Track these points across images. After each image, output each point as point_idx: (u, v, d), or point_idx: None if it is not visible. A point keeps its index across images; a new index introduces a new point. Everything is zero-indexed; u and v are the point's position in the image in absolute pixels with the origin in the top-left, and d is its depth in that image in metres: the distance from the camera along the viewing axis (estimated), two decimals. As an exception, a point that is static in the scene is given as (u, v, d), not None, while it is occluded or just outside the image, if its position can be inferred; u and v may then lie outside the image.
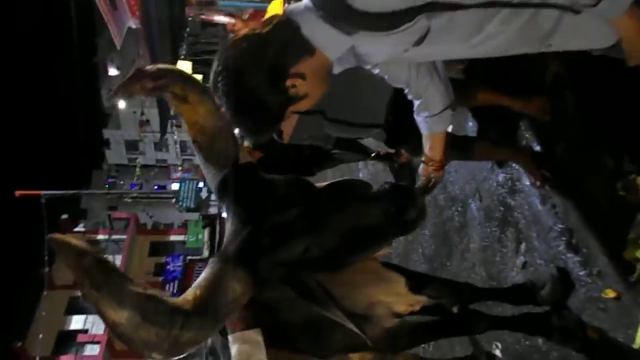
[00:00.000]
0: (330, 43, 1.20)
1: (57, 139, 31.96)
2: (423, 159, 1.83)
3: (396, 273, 1.94)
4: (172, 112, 10.90)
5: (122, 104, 33.58)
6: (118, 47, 5.84)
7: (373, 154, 2.71)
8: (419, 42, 1.19)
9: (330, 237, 1.56)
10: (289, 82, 1.22)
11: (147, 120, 25.54)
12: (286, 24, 1.21)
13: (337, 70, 1.34)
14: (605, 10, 1.11)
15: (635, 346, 1.73)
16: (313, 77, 1.25)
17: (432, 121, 1.64)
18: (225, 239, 1.51)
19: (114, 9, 4.96)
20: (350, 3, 1.09)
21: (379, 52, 1.28)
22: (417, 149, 2.61)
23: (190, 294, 1.30)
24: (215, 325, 1.35)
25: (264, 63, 1.20)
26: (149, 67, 1.53)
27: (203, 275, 1.37)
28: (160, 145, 32.12)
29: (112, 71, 33.23)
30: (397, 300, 1.87)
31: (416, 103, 1.60)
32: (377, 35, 1.15)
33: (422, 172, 1.84)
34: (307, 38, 1.19)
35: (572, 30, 1.20)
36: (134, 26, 5.16)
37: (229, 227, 1.55)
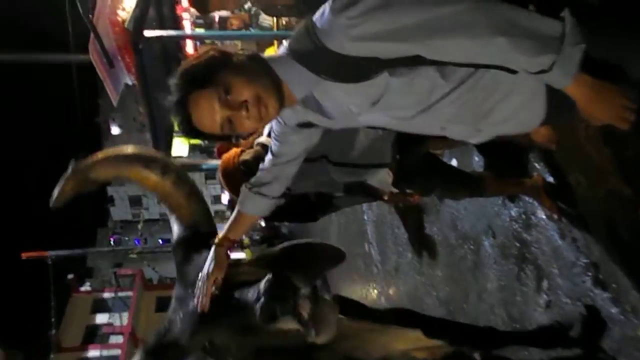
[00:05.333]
0: (298, 81, 1.24)
1: (62, 198, 32.07)
2: (217, 241, 1.71)
3: (410, 329, 1.79)
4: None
5: (125, 161, 33.99)
6: (115, 104, 5.85)
7: (385, 197, 2.61)
8: (375, 102, 1.22)
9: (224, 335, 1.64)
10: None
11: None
12: (257, 57, 1.28)
13: (297, 117, 1.39)
14: (556, 78, 1.11)
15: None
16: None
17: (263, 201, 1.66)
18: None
19: (110, 67, 4.96)
20: (325, 43, 1.12)
21: (336, 106, 1.30)
22: (425, 188, 2.52)
23: None
24: None
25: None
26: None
27: None
28: (163, 199, 32.16)
29: (115, 130, 33.81)
30: (415, 347, 1.73)
31: (262, 175, 1.64)
32: (343, 85, 1.19)
33: (216, 257, 1.68)
34: (276, 72, 1.24)
35: (505, 115, 1.26)
36: (130, 83, 5.16)
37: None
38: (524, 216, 2.45)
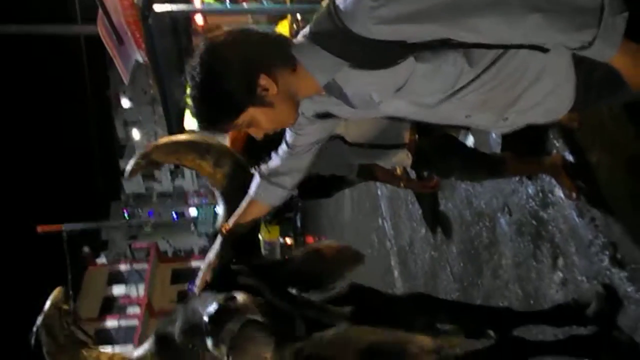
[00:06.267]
0: (320, 66, 1.20)
1: (75, 172, 32.41)
2: (225, 232, 1.73)
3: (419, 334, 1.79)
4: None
5: (136, 134, 34.10)
6: (126, 83, 5.83)
7: (402, 184, 2.60)
8: (399, 88, 1.19)
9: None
10: (262, 82, 1.22)
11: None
12: (278, 38, 1.26)
13: (315, 107, 1.38)
14: (599, 52, 1.06)
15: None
16: (284, 94, 1.25)
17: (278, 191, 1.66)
18: None
19: (120, 44, 4.92)
20: (349, 25, 1.08)
21: (358, 93, 1.26)
22: (444, 171, 2.51)
23: None
24: None
25: (243, 55, 1.21)
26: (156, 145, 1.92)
27: None
28: (176, 173, 32.40)
29: (125, 102, 33.82)
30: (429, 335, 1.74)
31: (277, 164, 1.63)
32: (365, 72, 1.16)
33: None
34: (296, 57, 1.22)
35: (534, 102, 1.23)
36: (141, 60, 5.12)
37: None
38: (541, 194, 2.44)
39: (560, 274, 2.30)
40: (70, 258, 16.92)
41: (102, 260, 23.94)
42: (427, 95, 1.22)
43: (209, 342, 1.42)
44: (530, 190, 2.52)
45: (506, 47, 1.13)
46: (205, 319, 1.43)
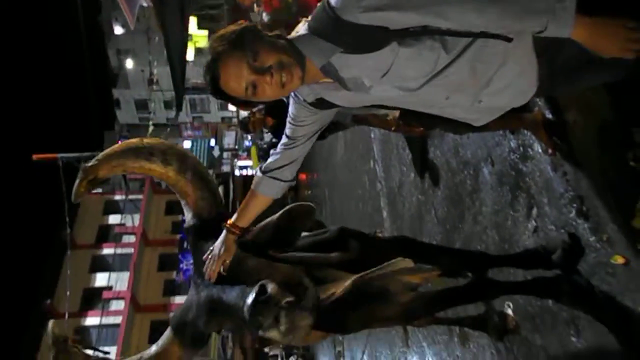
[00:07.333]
0: (317, 51, 1.36)
1: (68, 101, 32.00)
2: (229, 226, 1.90)
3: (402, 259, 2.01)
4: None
5: (129, 63, 33.38)
6: (132, 27, 5.78)
7: (393, 128, 2.75)
8: (385, 73, 1.34)
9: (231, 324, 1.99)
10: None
11: (157, 80, 25.36)
12: (282, 35, 1.41)
13: (314, 94, 1.54)
14: (556, 32, 1.20)
15: (641, 310, 1.82)
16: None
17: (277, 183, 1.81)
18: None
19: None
20: (340, 14, 1.25)
21: (352, 78, 1.41)
22: (429, 123, 2.64)
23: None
24: None
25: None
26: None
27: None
28: (170, 104, 32.07)
29: (118, 29, 32.79)
30: (409, 274, 1.96)
31: (275, 159, 1.78)
32: (357, 56, 1.32)
33: (225, 241, 1.89)
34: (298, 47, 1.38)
35: (504, 84, 1.37)
36: (145, 4, 5.07)
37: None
38: (521, 148, 2.60)
39: (534, 222, 2.51)
40: (66, 186, 17.09)
41: (97, 189, 24.19)
42: (411, 80, 1.38)
43: (257, 331, 1.73)
44: (512, 144, 2.69)
45: (475, 36, 1.28)
46: (247, 311, 1.71)
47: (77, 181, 1.95)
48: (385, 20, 1.24)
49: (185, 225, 2.15)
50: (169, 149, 2.04)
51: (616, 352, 1.94)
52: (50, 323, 2.00)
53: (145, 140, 2.06)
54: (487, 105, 1.48)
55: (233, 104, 1.49)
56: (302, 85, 1.46)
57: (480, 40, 1.29)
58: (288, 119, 1.69)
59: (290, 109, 1.66)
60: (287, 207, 2.00)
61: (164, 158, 2.01)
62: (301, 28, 1.40)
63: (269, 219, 2.01)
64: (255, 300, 1.71)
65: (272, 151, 1.83)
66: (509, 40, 1.27)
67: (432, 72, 1.35)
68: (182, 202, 2.14)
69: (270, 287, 1.71)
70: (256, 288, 1.74)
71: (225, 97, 1.44)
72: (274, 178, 1.81)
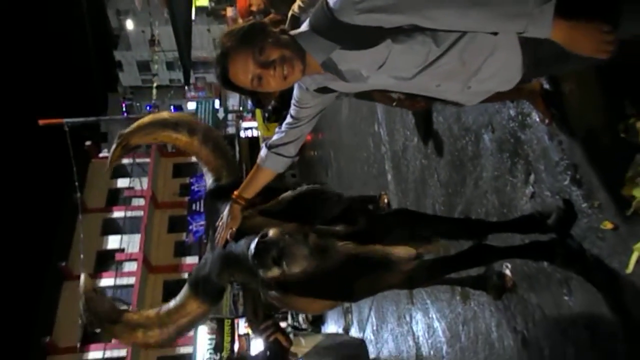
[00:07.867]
0: (317, 48, 1.47)
1: (69, 64, 31.75)
2: (235, 197, 2.05)
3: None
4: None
5: (130, 24, 32.95)
6: (139, 7, 5.76)
7: (394, 103, 2.84)
8: (381, 65, 1.45)
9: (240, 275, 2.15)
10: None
11: (158, 41, 25.10)
12: (286, 31, 1.52)
13: (316, 83, 1.66)
14: (535, 34, 1.29)
15: (628, 271, 1.95)
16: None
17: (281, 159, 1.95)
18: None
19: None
20: (337, 16, 1.35)
21: (350, 70, 1.52)
22: (429, 100, 2.72)
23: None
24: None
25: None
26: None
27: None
28: (173, 65, 31.82)
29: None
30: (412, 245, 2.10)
31: (280, 137, 1.92)
32: (354, 52, 1.43)
33: (232, 211, 2.06)
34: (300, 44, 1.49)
35: (492, 72, 1.46)
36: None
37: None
38: (520, 116, 2.69)
39: (531, 188, 2.62)
40: (73, 151, 17.25)
41: (104, 153, 24.36)
42: (404, 71, 1.49)
43: (261, 271, 1.88)
44: (512, 112, 2.77)
45: (464, 31, 1.38)
46: (251, 252, 1.88)
47: (113, 146, 2.20)
48: (379, 21, 1.34)
49: (206, 190, 2.40)
50: (196, 124, 2.29)
51: (604, 310, 2.09)
52: (82, 276, 2.25)
53: (170, 114, 2.28)
54: (476, 90, 1.59)
55: (241, 93, 1.63)
56: (304, 76, 1.58)
57: (469, 34, 1.38)
58: (292, 102, 1.81)
59: (295, 92, 1.78)
60: (300, 190, 2.15)
61: (190, 130, 2.24)
62: (303, 25, 1.51)
63: (284, 194, 2.16)
64: (257, 242, 1.89)
65: (276, 129, 1.96)
66: (496, 33, 1.37)
67: (424, 64, 1.45)
68: (204, 169, 2.40)
69: (272, 232, 1.89)
70: (260, 235, 1.94)
71: (233, 88, 1.56)
72: (279, 154, 1.96)
